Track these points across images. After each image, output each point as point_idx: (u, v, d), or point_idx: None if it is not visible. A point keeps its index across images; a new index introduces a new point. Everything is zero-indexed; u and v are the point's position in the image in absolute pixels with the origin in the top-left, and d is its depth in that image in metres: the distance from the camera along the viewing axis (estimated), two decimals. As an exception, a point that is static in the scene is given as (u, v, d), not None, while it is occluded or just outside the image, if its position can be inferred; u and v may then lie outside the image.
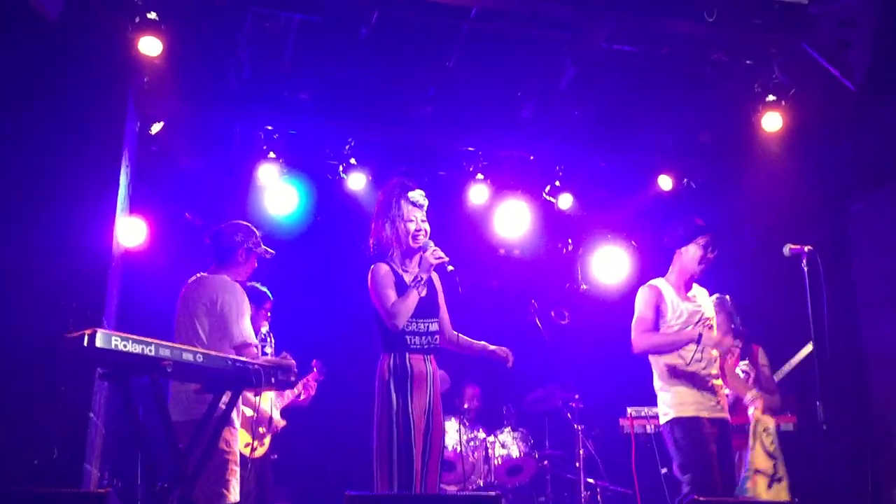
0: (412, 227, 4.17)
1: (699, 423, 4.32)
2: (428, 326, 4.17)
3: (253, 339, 4.32)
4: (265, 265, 7.70)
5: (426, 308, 4.16)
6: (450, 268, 4.12)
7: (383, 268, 4.17)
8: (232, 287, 4.42)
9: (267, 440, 5.75)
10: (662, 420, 4.53)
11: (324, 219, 7.79)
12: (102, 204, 4.89)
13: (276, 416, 5.86)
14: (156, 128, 6.23)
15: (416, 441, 3.93)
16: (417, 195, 4.23)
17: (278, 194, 7.05)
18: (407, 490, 3.75)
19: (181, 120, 6.37)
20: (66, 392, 4.52)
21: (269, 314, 5.87)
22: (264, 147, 6.75)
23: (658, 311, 4.51)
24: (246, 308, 4.38)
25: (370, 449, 3.95)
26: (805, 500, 3.90)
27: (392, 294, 4.09)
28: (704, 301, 4.67)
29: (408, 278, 4.15)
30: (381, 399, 4.04)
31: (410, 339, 4.10)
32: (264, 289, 5.92)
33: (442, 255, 4.10)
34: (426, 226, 4.22)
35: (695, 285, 4.67)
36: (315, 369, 6.39)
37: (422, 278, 4.07)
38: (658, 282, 4.63)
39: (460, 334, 4.40)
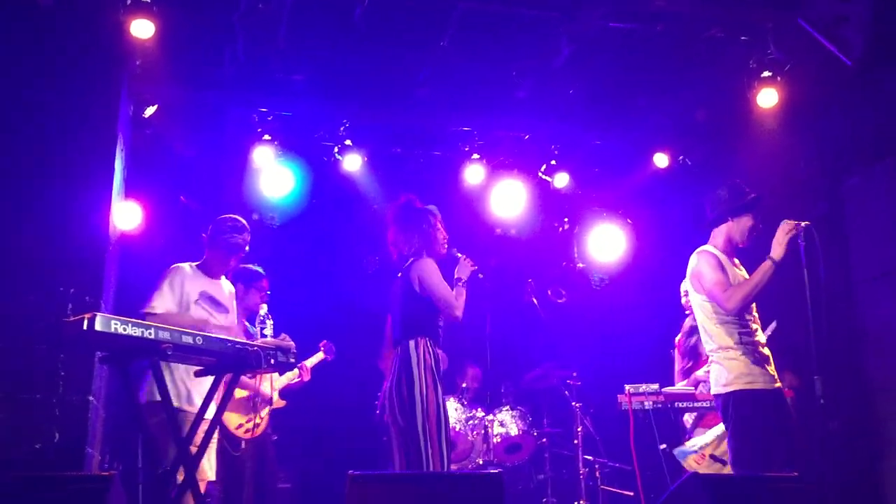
0: (441, 236, 4.78)
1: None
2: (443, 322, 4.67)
3: (152, 309, 4.41)
4: (261, 246, 7.75)
5: None
6: (480, 275, 4.74)
7: (432, 262, 4.68)
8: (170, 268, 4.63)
9: (264, 421, 5.72)
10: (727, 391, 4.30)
11: (320, 200, 7.79)
12: (98, 188, 4.89)
13: (275, 396, 5.86)
14: (149, 111, 6.20)
15: (445, 427, 4.40)
16: (435, 209, 4.85)
17: (274, 177, 7.03)
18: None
19: (175, 103, 6.34)
20: (66, 376, 4.54)
21: (265, 294, 5.86)
22: (259, 129, 6.73)
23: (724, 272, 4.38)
24: (165, 283, 4.51)
25: (371, 428, 4.17)
26: (802, 474, 3.92)
27: (448, 286, 4.62)
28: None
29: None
30: (422, 381, 4.39)
31: (441, 331, 4.63)
32: (257, 267, 5.92)
33: (474, 265, 4.75)
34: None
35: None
36: (322, 349, 6.39)
37: (462, 280, 4.67)
38: (709, 247, 4.49)
39: None
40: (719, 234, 4.50)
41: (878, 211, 6.39)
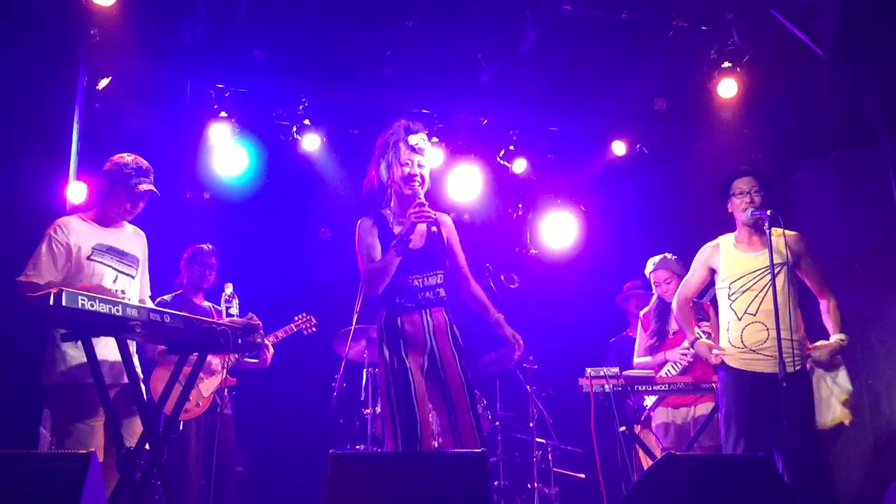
0: (406, 170, 3.86)
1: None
2: (424, 281, 3.89)
3: (27, 278, 3.79)
4: (217, 225, 7.59)
5: (423, 261, 3.89)
6: (433, 228, 3.84)
7: (366, 223, 3.96)
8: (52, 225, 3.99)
9: (206, 400, 5.52)
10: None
11: (276, 180, 7.67)
12: (55, 163, 4.72)
13: (223, 373, 5.61)
14: (103, 83, 6.00)
15: (418, 400, 3.71)
16: (417, 138, 3.90)
17: (229, 155, 6.89)
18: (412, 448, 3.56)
19: (129, 76, 6.15)
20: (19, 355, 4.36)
21: (208, 270, 5.73)
22: (216, 106, 6.58)
23: (709, 271, 4.51)
24: (44, 246, 3.88)
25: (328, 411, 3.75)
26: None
27: (373, 254, 3.89)
28: (779, 247, 4.26)
29: (398, 230, 3.85)
30: (378, 360, 3.88)
31: (400, 299, 3.86)
32: (203, 245, 5.81)
33: (428, 212, 3.76)
34: (423, 172, 3.89)
35: (774, 230, 4.31)
36: (296, 324, 6.16)
37: (405, 238, 3.78)
38: (719, 238, 4.55)
39: (482, 294, 4.11)
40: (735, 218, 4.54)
41: (824, 201, 6.58)
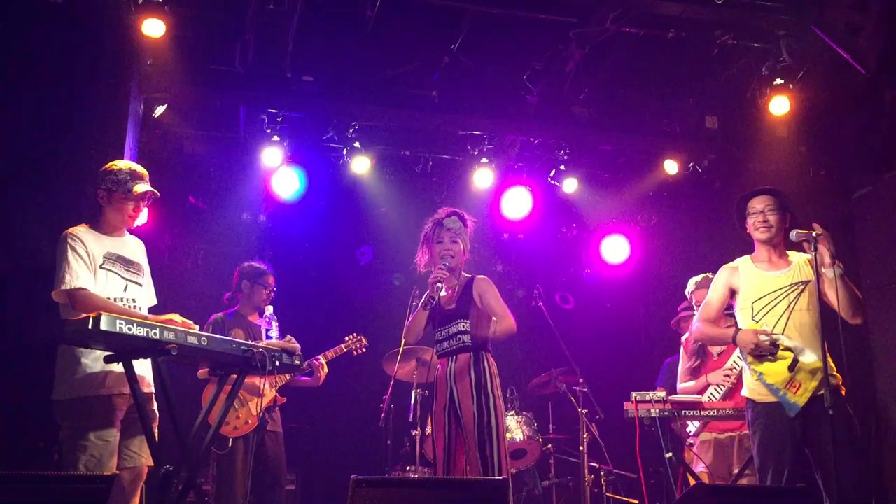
0: (439, 248, 4.64)
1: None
2: (448, 332, 4.61)
3: (75, 284, 3.79)
4: (267, 247, 7.74)
5: (449, 316, 4.63)
6: (439, 284, 4.47)
7: (415, 292, 4.75)
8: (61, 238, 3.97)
9: (254, 419, 5.59)
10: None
11: (328, 202, 7.79)
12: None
13: (270, 392, 5.72)
14: (159, 111, 6.19)
15: (436, 435, 4.51)
16: (451, 222, 4.69)
17: (283, 178, 7.03)
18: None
19: (184, 103, 6.33)
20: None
21: (271, 291, 5.83)
22: (268, 130, 6.72)
23: (731, 292, 4.41)
24: (70, 253, 3.86)
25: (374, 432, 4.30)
26: (809, 486, 3.89)
27: (412, 313, 4.67)
28: (801, 266, 4.26)
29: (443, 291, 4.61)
30: None
31: (437, 349, 4.66)
32: (261, 265, 5.90)
33: (439, 274, 4.47)
34: (455, 247, 4.66)
35: (791, 254, 4.35)
36: (347, 344, 6.23)
37: (431, 298, 4.48)
38: (737, 261, 4.47)
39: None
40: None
41: (886, 220, 6.36)
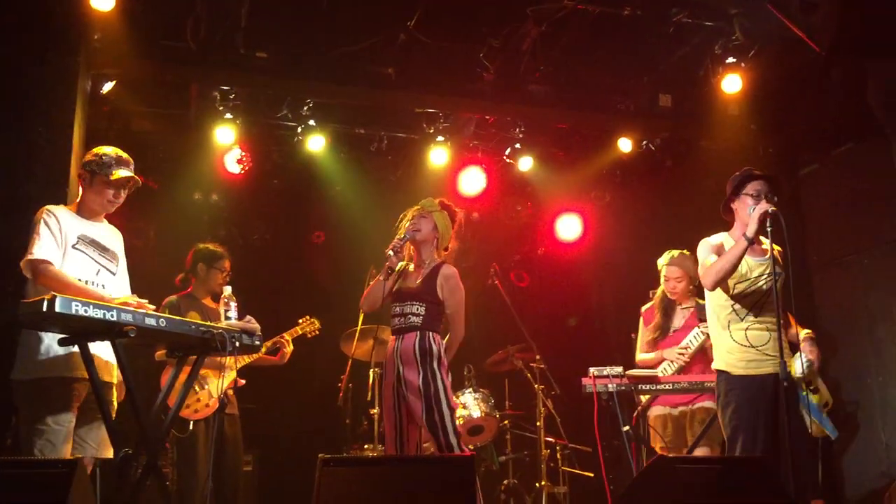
0: (405, 224, 4.72)
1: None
2: (402, 309, 4.62)
3: (39, 255, 3.79)
4: (221, 227, 7.63)
5: (407, 294, 4.65)
6: (390, 253, 4.54)
7: (371, 272, 4.91)
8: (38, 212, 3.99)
9: (214, 401, 5.54)
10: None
11: (281, 181, 7.70)
12: (58, 165, 4.74)
13: (229, 373, 5.62)
14: (107, 87, 6.03)
15: (386, 415, 4.57)
16: (426, 201, 4.77)
17: (235, 156, 6.92)
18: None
19: (134, 79, 6.18)
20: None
21: (227, 274, 5.75)
22: (220, 108, 6.58)
23: None
24: (41, 226, 3.87)
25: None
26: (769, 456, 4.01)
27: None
28: (774, 257, 4.37)
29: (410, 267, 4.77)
30: None
31: (391, 322, 4.69)
32: (217, 248, 5.81)
33: (393, 245, 4.57)
34: (422, 223, 4.70)
35: (764, 240, 4.41)
36: (300, 325, 6.19)
37: (389, 269, 4.56)
38: (714, 236, 4.51)
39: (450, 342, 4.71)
40: (735, 216, 4.51)
41: (832, 197, 6.52)
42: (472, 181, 7.60)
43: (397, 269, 4.68)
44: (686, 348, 5.32)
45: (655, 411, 5.49)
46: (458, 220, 4.84)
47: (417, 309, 4.59)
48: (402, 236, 4.62)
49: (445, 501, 2.79)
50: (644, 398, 5.50)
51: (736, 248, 4.26)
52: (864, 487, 6.13)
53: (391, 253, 4.52)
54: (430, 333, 4.56)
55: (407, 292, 4.65)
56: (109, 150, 4.11)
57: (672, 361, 5.35)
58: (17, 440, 3.82)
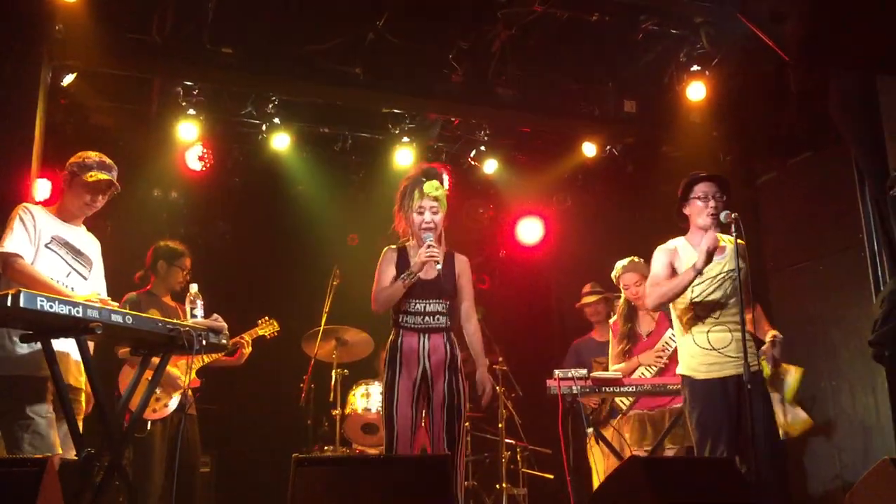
0: (418, 217, 4.29)
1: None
2: (426, 307, 4.31)
3: (9, 248, 3.80)
4: (183, 224, 7.51)
5: (429, 290, 4.31)
6: (437, 267, 4.21)
7: (389, 253, 4.39)
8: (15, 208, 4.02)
9: (172, 400, 5.46)
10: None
11: (243, 179, 7.62)
12: (18, 160, 4.63)
13: (190, 373, 5.53)
14: (68, 79, 5.89)
15: (398, 412, 4.14)
16: (431, 187, 4.30)
17: (196, 153, 6.83)
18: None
19: (95, 72, 6.04)
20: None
21: (187, 274, 5.66)
22: (183, 103, 6.48)
23: (673, 270, 4.44)
24: (16, 221, 3.89)
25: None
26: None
27: (385, 279, 4.32)
28: (733, 255, 4.39)
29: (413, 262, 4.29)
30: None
31: (404, 319, 4.32)
32: (179, 246, 5.73)
33: (434, 253, 4.15)
34: (435, 218, 4.30)
35: (723, 238, 4.43)
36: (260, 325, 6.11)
37: (413, 273, 4.19)
38: (670, 242, 4.53)
39: (473, 336, 4.47)
40: (690, 220, 4.54)
41: (790, 204, 6.65)
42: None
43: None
44: (663, 350, 5.37)
45: (631, 414, 5.52)
46: (449, 185, 4.52)
47: (442, 307, 4.34)
48: (431, 244, 4.17)
49: (422, 502, 2.78)
50: (625, 404, 5.51)
51: (683, 277, 4.30)
52: (817, 490, 6.26)
53: (439, 267, 4.19)
54: (453, 336, 4.37)
55: (428, 287, 4.31)
56: (93, 154, 4.13)
57: (650, 366, 5.40)
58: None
